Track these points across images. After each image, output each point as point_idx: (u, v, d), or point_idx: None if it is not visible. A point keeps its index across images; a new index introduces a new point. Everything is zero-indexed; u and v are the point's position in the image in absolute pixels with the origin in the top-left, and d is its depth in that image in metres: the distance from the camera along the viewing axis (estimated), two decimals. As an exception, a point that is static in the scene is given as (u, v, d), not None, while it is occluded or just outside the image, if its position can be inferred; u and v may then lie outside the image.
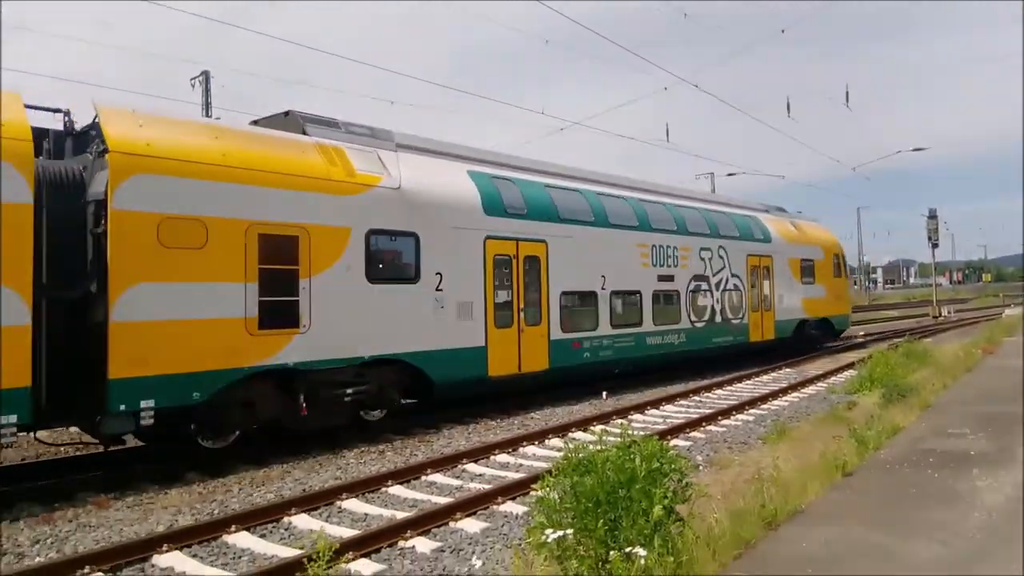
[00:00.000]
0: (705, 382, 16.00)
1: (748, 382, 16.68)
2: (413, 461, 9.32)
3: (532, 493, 7.50)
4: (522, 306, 13.11)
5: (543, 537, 4.04)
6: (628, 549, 3.90)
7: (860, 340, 26.97)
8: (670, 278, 17.05)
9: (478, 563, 5.55)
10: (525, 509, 7.19)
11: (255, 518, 6.93)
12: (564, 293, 14.01)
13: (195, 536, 6.42)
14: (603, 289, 15.01)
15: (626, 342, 15.53)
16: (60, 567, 5.61)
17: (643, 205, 16.81)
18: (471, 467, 9.08)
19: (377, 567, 5.79)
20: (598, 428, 9.27)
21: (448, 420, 12.11)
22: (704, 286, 18.22)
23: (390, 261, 11.30)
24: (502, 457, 9.56)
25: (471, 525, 6.80)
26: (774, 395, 14.30)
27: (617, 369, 15.61)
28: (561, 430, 10.98)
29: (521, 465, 9.21)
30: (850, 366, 18.37)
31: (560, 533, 3.94)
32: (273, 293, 9.53)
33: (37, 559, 6.12)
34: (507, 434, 11.04)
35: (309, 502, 7.41)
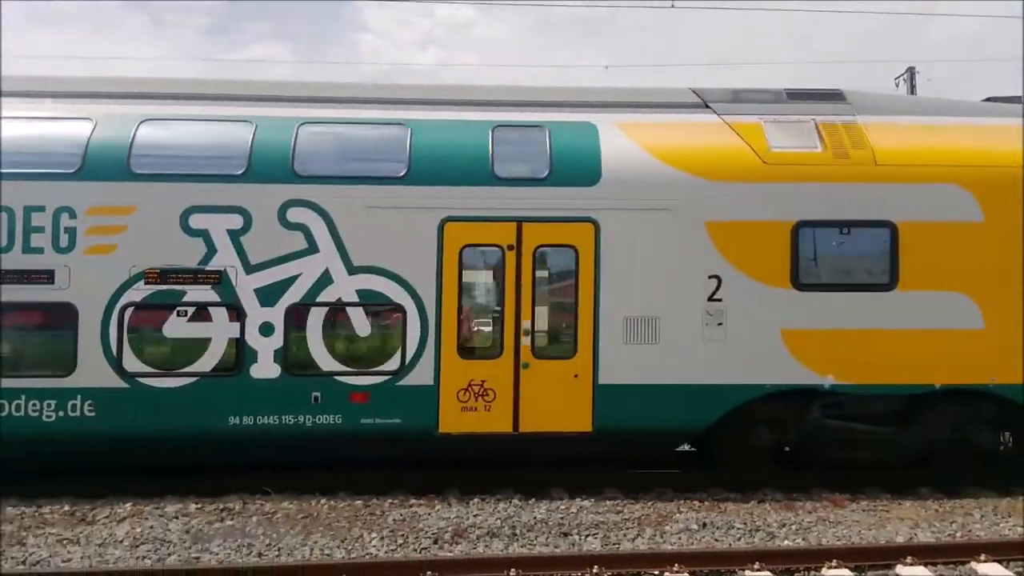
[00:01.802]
0: None
1: None
2: None
3: None
4: None
5: None
6: None
7: None
8: None
9: None
10: None
11: (1005, 551, 6.22)
12: None
13: (939, 555, 6.14)
14: None
15: None
16: (811, 554, 6.11)
17: None
18: None
19: None
20: None
21: None
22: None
23: None
24: None
25: None
26: None
27: None
28: None
29: None
30: None
31: None
32: None
33: (785, 542, 6.77)
34: None
35: (1075, 548, 6.25)
